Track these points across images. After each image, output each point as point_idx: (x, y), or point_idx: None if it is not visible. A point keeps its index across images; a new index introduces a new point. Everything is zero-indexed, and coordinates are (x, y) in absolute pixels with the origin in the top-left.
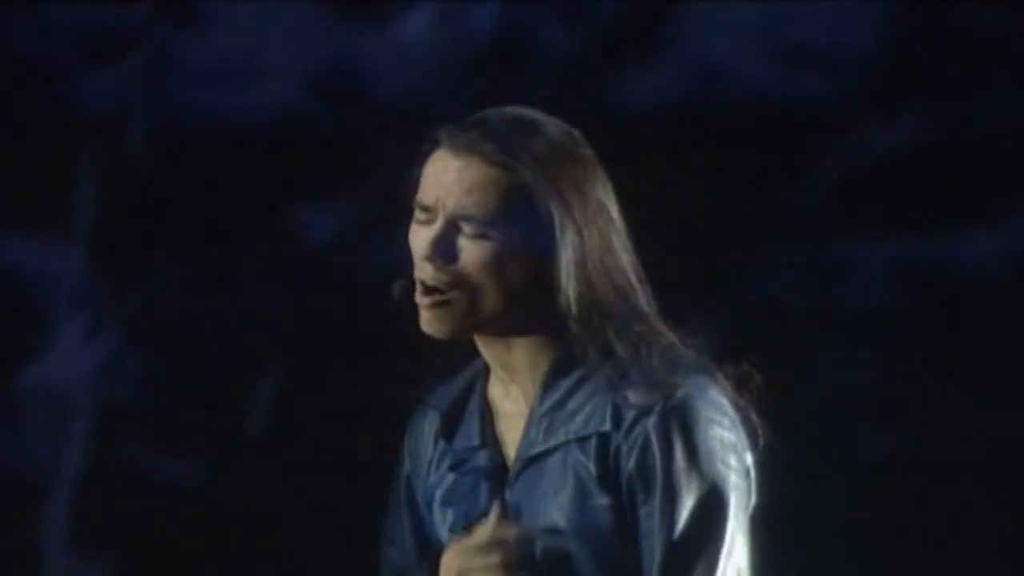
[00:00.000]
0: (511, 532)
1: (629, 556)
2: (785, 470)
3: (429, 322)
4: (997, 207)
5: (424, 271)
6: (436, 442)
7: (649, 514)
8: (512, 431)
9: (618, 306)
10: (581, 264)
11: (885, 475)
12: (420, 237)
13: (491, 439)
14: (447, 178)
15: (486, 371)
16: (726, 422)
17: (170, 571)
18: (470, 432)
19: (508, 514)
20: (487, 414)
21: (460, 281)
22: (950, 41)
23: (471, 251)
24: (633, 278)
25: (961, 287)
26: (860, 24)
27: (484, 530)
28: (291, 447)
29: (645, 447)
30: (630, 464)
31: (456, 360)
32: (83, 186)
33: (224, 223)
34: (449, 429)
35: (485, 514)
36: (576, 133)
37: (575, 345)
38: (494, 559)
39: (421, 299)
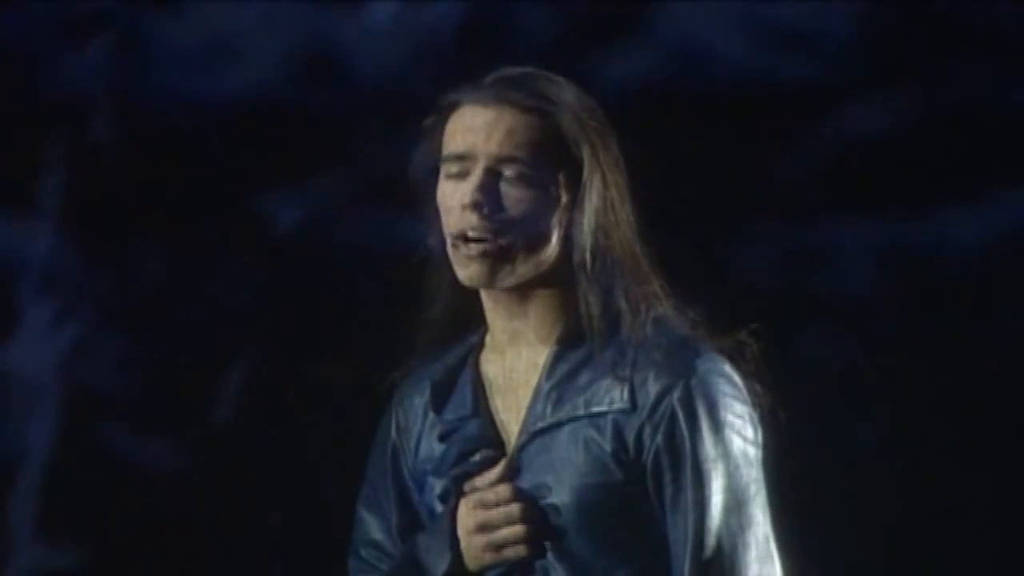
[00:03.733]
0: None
1: (631, 535)
2: (764, 453)
3: (474, 274)
4: (978, 190)
5: (468, 221)
6: (426, 414)
7: (678, 491)
8: (509, 405)
9: (628, 261)
10: (603, 212)
11: (866, 457)
12: (457, 189)
13: (484, 410)
14: (480, 126)
15: (480, 346)
16: (741, 395)
17: (140, 556)
18: (462, 402)
19: (510, 468)
20: (480, 386)
21: (504, 228)
22: (932, 24)
23: (514, 196)
24: (637, 233)
25: (941, 269)
26: (842, 6)
27: (503, 485)
28: (264, 430)
29: (672, 424)
30: (657, 441)
31: (435, 342)
32: (53, 169)
33: (196, 206)
34: (439, 400)
35: (468, 473)
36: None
37: (583, 306)
38: (515, 511)
39: (467, 249)
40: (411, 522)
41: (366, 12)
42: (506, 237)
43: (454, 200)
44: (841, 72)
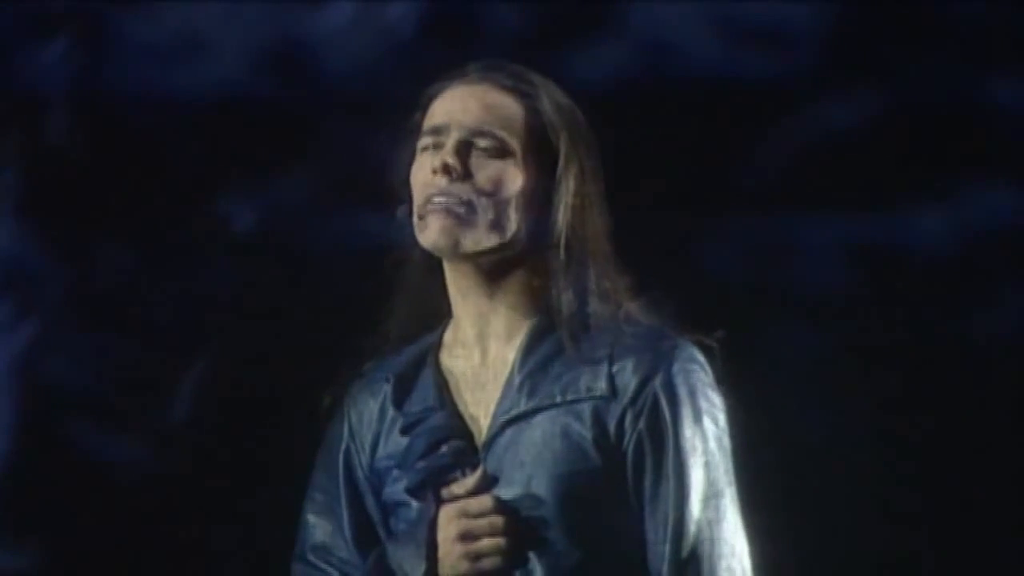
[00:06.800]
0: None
1: (607, 526)
2: (734, 445)
3: (436, 237)
4: (946, 185)
5: (436, 185)
6: (384, 413)
7: (659, 479)
8: (479, 399)
9: (600, 255)
10: (579, 203)
11: (834, 450)
12: (430, 159)
13: (449, 403)
14: (458, 100)
15: (438, 344)
16: (712, 384)
17: (101, 555)
18: (424, 396)
19: (488, 477)
20: (443, 381)
21: (470, 195)
22: (899, 21)
23: (485, 167)
24: (608, 233)
25: (910, 265)
26: (811, 3)
27: (486, 496)
28: (228, 427)
29: (655, 410)
30: (639, 427)
31: (398, 343)
32: (13, 164)
33: (159, 203)
34: (400, 396)
35: (445, 474)
36: None
37: (555, 296)
38: (499, 523)
39: (432, 207)
40: (365, 524)
41: (331, 9)
42: (471, 203)
43: (427, 167)
44: (810, 68)
